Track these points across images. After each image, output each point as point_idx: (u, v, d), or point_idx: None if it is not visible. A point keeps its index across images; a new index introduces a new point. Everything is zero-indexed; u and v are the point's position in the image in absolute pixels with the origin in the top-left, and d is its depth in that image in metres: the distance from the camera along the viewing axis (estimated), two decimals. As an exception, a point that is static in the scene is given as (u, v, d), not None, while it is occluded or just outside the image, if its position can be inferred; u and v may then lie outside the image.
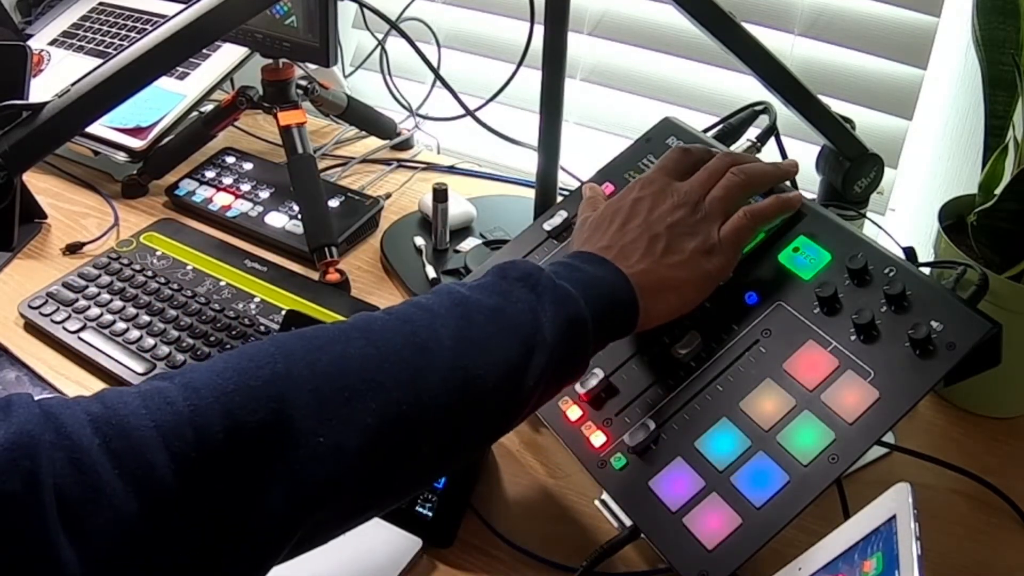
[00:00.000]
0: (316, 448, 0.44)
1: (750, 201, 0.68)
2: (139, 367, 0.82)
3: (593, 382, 0.68)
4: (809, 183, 0.92)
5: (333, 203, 1.03)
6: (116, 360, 0.83)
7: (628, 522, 0.62)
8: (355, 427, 0.46)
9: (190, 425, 0.42)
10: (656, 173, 0.68)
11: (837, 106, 0.91)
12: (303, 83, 1.06)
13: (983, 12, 0.75)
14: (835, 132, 0.84)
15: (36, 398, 0.42)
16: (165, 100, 1.13)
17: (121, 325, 0.86)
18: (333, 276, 0.93)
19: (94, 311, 0.88)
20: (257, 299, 0.90)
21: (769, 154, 0.86)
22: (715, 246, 0.64)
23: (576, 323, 0.55)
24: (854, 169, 0.85)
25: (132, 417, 0.42)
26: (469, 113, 1.12)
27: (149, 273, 0.93)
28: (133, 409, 0.42)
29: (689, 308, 0.64)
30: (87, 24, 1.28)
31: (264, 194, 1.07)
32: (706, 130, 0.85)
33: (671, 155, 0.70)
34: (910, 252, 0.70)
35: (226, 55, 1.16)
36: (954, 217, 0.81)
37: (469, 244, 0.97)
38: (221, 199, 1.07)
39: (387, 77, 1.24)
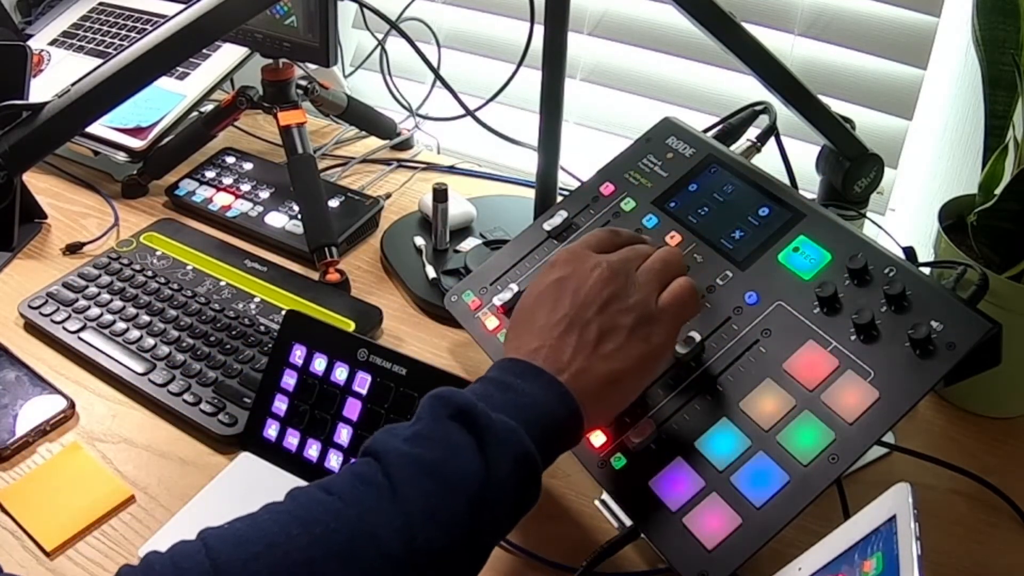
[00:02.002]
0: None
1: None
2: (139, 367, 0.82)
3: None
4: (809, 183, 0.92)
5: (333, 203, 1.03)
6: (116, 360, 0.83)
7: (628, 522, 0.62)
8: None
9: None
10: (579, 247, 0.63)
11: (837, 106, 0.92)
12: (303, 83, 1.06)
13: (983, 12, 0.75)
14: (835, 132, 0.84)
15: None
16: (165, 100, 1.13)
17: (121, 325, 0.86)
18: (333, 276, 0.93)
19: (94, 311, 0.88)
20: (257, 299, 0.90)
21: (769, 154, 0.86)
22: (654, 316, 0.59)
23: (523, 461, 0.51)
24: (854, 169, 0.85)
25: None
26: (469, 113, 1.12)
27: (149, 273, 0.93)
28: None
29: (633, 398, 0.60)
30: (87, 24, 1.28)
31: (264, 194, 1.07)
32: (706, 130, 0.85)
33: (597, 233, 0.64)
34: (910, 252, 0.70)
35: (226, 55, 1.16)
36: (954, 217, 0.81)
37: (469, 244, 0.97)
38: (221, 199, 1.07)
39: (387, 77, 1.24)
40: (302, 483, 0.71)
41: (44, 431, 0.76)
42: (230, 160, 1.13)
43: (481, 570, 0.50)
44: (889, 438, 0.73)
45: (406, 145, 1.21)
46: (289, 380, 0.74)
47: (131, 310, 0.88)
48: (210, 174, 1.11)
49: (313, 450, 0.72)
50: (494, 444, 0.50)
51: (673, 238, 0.74)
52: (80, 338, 0.85)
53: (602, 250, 0.62)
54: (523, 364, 0.56)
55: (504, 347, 0.60)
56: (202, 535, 0.45)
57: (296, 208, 1.03)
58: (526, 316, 0.60)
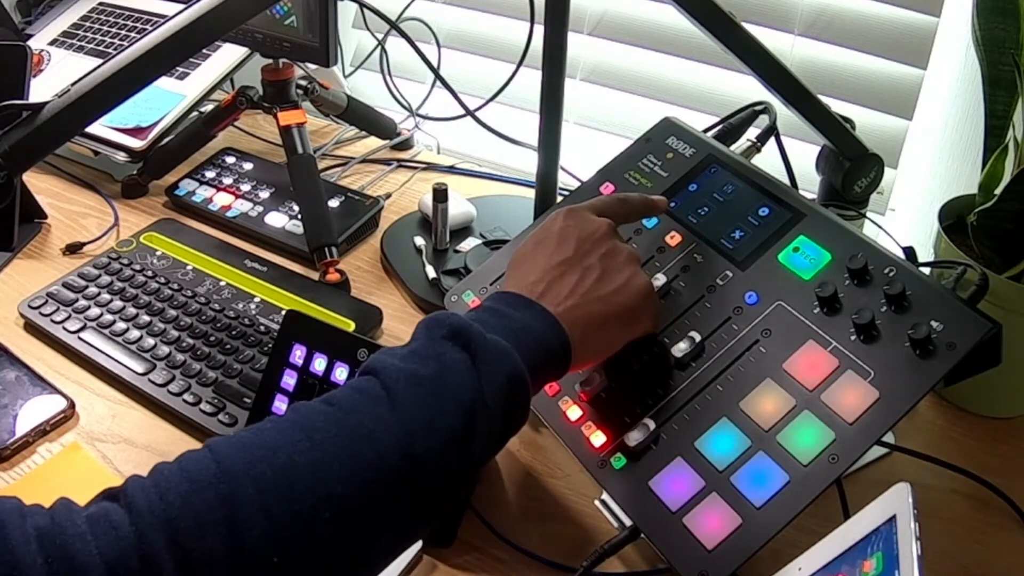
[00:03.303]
0: (271, 568, 0.43)
1: None
2: (139, 367, 0.82)
3: (593, 382, 0.68)
4: (809, 183, 0.92)
5: (333, 203, 1.03)
6: (116, 360, 0.83)
7: (628, 522, 0.62)
8: (309, 541, 0.44)
9: (136, 554, 0.41)
10: (583, 207, 0.67)
11: (837, 106, 0.92)
12: (303, 83, 1.06)
13: (983, 12, 0.75)
14: (835, 132, 0.84)
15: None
16: (165, 100, 1.13)
17: (121, 325, 0.86)
18: (333, 276, 0.93)
19: (94, 311, 0.88)
20: (257, 299, 0.90)
21: (769, 154, 0.86)
22: (645, 279, 0.65)
23: (515, 380, 0.53)
24: (854, 169, 0.85)
25: (78, 541, 0.40)
26: (469, 113, 1.12)
27: (149, 273, 0.93)
28: (80, 532, 0.41)
29: (617, 347, 0.64)
30: (87, 24, 1.28)
31: (264, 194, 1.07)
32: (706, 130, 0.85)
33: (604, 198, 0.70)
34: (910, 252, 0.70)
35: (226, 55, 1.16)
36: (954, 217, 0.81)
37: (469, 244, 0.97)
38: (221, 199, 1.07)
39: (387, 77, 1.24)
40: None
41: (44, 431, 0.76)
42: (230, 160, 1.13)
43: (470, 484, 0.54)
44: (889, 438, 0.73)
45: (406, 145, 1.21)
46: (289, 380, 0.74)
47: (131, 310, 0.88)
48: (210, 174, 1.11)
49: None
50: (487, 361, 0.52)
51: (673, 238, 0.74)
52: (80, 338, 0.85)
53: (603, 215, 0.67)
54: (519, 296, 0.60)
55: (504, 282, 0.64)
56: (208, 443, 0.47)
57: (296, 208, 1.03)
58: (526, 257, 0.64)
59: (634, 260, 0.65)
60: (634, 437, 0.64)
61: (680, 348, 0.66)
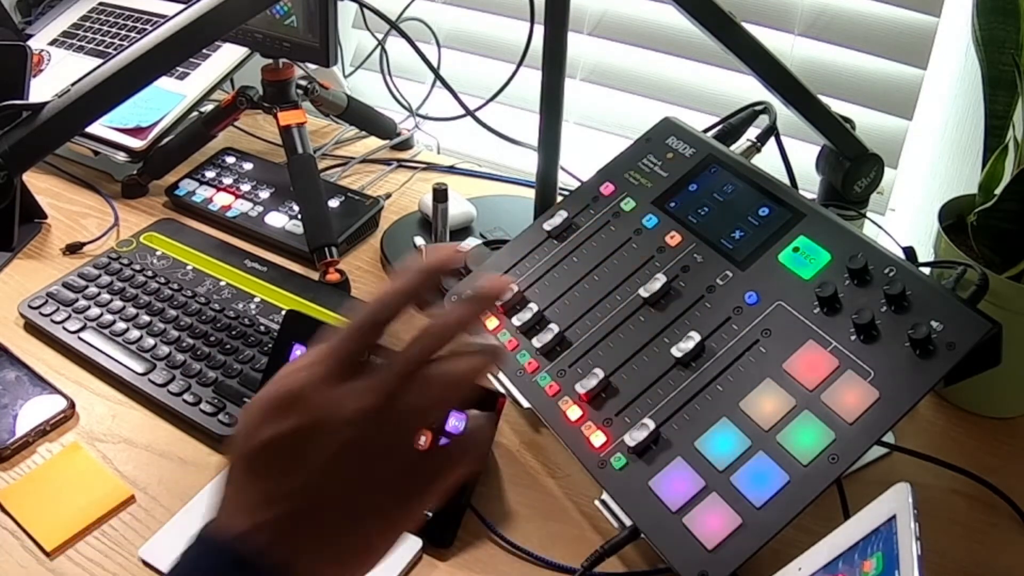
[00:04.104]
0: None
1: None
2: (139, 367, 0.82)
3: (593, 382, 0.68)
4: (809, 183, 0.92)
5: (333, 203, 1.03)
6: (116, 360, 0.83)
7: (628, 522, 0.62)
8: None
9: None
10: (320, 376, 0.41)
11: (837, 106, 0.91)
12: (303, 83, 1.06)
13: (983, 12, 0.75)
14: (835, 132, 0.84)
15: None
16: (165, 100, 1.13)
17: (121, 325, 0.86)
18: (333, 276, 0.93)
19: (94, 311, 0.88)
20: (257, 299, 0.90)
21: (769, 154, 0.86)
22: (417, 485, 0.42)
23: None
24: (854, 169, 0.85)
25: None
26: (469, 113, 1.12)
27: (149, 273, 0.93)
28: None
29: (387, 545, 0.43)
30: (87, 24, 1.28)
31: (264, 194, 1.07)
32: (706, 130, 0.85)
33: (344, 337, 0.42)
34: (910, 252, 0.71)
35: (226, 55, 1.16)
36: (954, 217, 0.81)
37: (469, 244, 0.97)
38: (221, 199, 1.07)
39: (387, 77, 1.24)
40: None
41: (44, 431, 0.76)
42: (230, 160, 1.13)
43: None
44: (889, 438, 0.73)
45: (406, 145, 1.21)
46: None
47: (131, 310, 0.88)
48: (210, 174, 1.11)
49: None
50: None
51: (673, 238, 0.74)
52: (80, 338, 0.85)
53: (352, 368, 0.41)
54: (229, 554, 0.39)
55: (215, 509, 0.41)
56: None
57: (296, 208, 1.03)
58: (243, 471, 0.41)
59: (403, 441, 0.41)
60: (634, 437, 0.64)
61: (680, 348, 0.66)
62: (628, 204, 0.79)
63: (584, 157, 1.06)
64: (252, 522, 0.40)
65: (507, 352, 0.44)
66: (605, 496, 0.65)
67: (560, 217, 0.80)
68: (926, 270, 0.66)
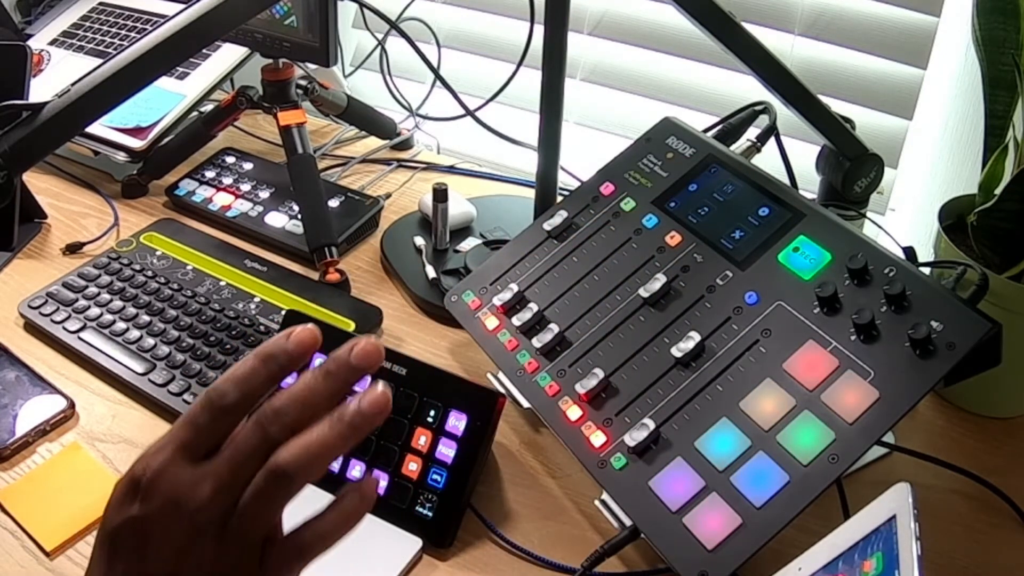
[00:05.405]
0: None
1: None
2: (139, 367, 0.82)
3: (593, 382, 0.68)
4: (809, 183, 0.92)
5: (333, 203, 1.03)
6: (116, 360, 0.83)
7: (628, 522, 0.62)
8: None
9: None
10: (170, 459, 0.39)
11: (837, 106, 0.92)
12: (303, 83, 1.06)
13: (983, 12, 0.75)
14: (835, 132, 0.84)
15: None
16: (165, 100, 1.13)
17: (121, 325, 0.86)
18: (333, 276, 0.93)
19: (94, 311, 0.88)
20: (257, 299, 0.90)
21: (769, 154, 0.86)
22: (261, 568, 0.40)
23: None
24: (854, 169, 0.85)
25: None
26: (469, 113, 1.12)
27: (149, 273, 0.93)
28: None
29: None
30: (87, 24, 1.28)
31: (264, 194, 1.07)
32: (706, 130, 0.85)
33: (193, 417, 0.40)
34: (910, 252, 0.71)
35: (226, 55, 1.16)
36: (954, 217, 0.81)
37: (469, 244, 0.97)
38: (221, 199, 1.07)
39: (387, 77, 1.24)
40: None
41: (44, 431, 0.76)
42: (230, 160, 1.13)
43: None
44: (889, 438, 0.73)
45: (406, 145, 1.21)
46: (288, 381, 0.74)
47: (131, 310, 0.88)
48: (210, 174, 1.11)
49: (313, 450, 0.72)
50: None
51: (673, 238, 0.74)
52: (80, 338, 0.85)
53: (202, 447, 0.39)
54: None
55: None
56: None
57: (296, 208, 1.03)
58: (99, 551, 0.40)
59: (242, 552, 0.39)
60: (634, 437, 0.64)
61: (680, 348, 0.66)
62: (628, 204, 0.79)
63: (584, 157, 1.06)
64: None
65: (383, 409, 0.39)
66: (605, 496, 0.65)
67: (560, 217, 0.80)
68: (926, 270, 0.66)
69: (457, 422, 0.69)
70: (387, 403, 0.39)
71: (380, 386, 0.40)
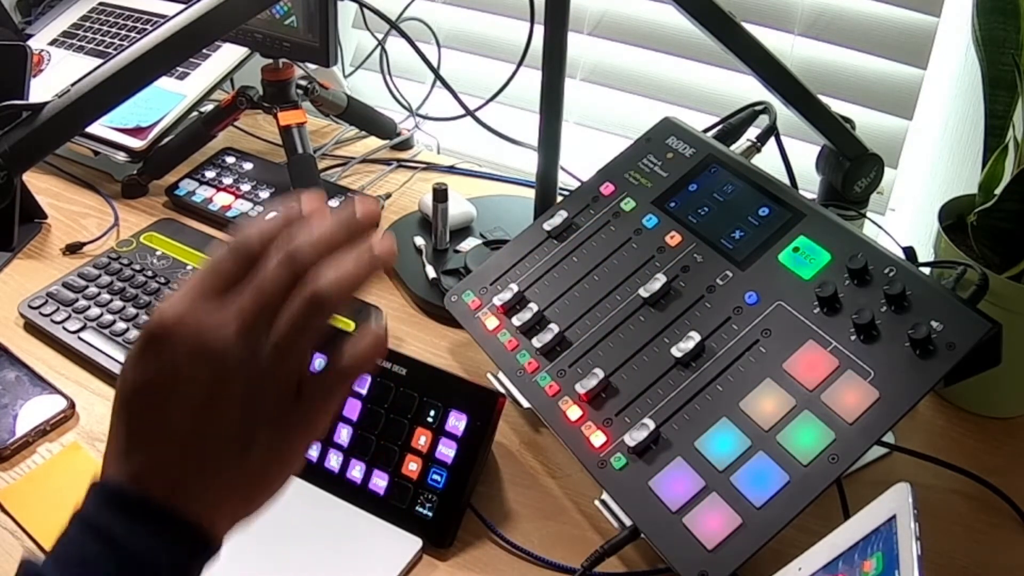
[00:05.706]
0: None
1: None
2: (139, 367, 0.82)
3: (593, 382, 0.68)
4: (809, 183, 0.92)
5: (333, 203, 1.03)
6: (116, 360, 0.83)
7: (628, 522, 0.62)
8: None
9: None
10: (191, 305, 0.38)
11: (837, 106, 0.91)
12: (303, 83, 1.06)
13: (983, 12, 0.75)
14: (835, 132, 0.84)
15: None
16: (165, 100, 1.13)
17: (121, 325, 0.86)
18: (333, 276, 0.93)
19: (94, 311, 0.88)
20: (257, 299, 0.90)
21: (769, 154, 0.86)
22: (293, 411, 0.40)
23: None
24: (854, 169, 0.85)
25: None
26: (469, 113, 1.12)
27: (149, 273, 0.93)
28: None
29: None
30: (87, 24, 1.28)
31: (264, 194, 1.07)
32: (706, 130, 0.85)
33: (215, 263, 0.40)
34: (910, 252, 0.71)
35: (226, 55, 1.16)
36: (954, 217, 0.81)
37: (469, 244, 0.97)
38: (221, 199, 1.07)
39: (387, 77, 1.24)
40: (302, 483, 0.71)
41: (44, 431, 0.76)
42: (230, 160, 1.13)
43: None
44: (889, 438, 0.73)
45: (406, 145, 1.21)
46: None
47: (131, 310, 0.88)
48: (210, 174, 1.11)
49: (313, 450, 0.72)
50: None
51: (673, 238, 0.74)
52: (80, 338, 0.85)
53: (221, 290, 0.39)
54: (123, 498, 0.39)
55: (107, 450, 0.41)
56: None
57: (296, 208, 1.03)
58: (121, 416, 0.40)
59: (278, 381, 0.39)
60: (634, 437, 0.64)
61: (680, 348, 0.66)
62: (628, 204, 0.79)
63: (584, 157, 1.06)
64: (131, 468, 0.38)
65: (392, 253, 0.41)
66: (605, 496, 0.65)
67: (560, 217, 0.80)
68: (926, 270, 0.66)
69: (457, 422, 0.69)
70: (393, 250, 0.41)
71: (385, 236, 0.41)
